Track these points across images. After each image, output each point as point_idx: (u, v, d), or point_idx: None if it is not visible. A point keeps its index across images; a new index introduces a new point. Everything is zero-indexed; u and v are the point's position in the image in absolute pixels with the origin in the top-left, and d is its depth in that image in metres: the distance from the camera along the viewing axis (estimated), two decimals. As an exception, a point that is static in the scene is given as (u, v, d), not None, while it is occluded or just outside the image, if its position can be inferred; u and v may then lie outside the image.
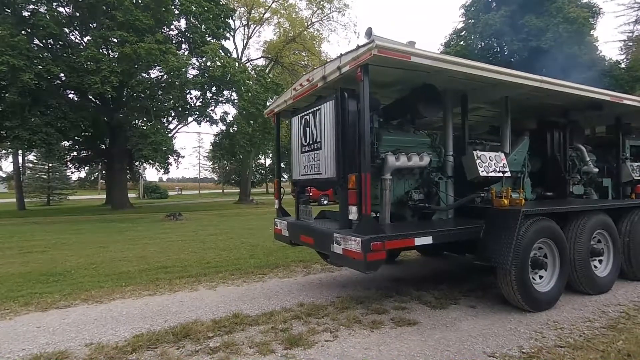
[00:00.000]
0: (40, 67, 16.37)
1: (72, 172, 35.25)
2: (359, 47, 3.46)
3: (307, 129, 4.74)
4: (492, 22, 24.06)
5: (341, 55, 3.79)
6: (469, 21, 26.94)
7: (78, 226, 14.19)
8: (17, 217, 18.72)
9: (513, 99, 5.36)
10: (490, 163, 4.88)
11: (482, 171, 4.76)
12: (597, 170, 6.66)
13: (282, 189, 5.75)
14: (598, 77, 21.77)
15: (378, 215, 4.58)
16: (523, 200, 4.61)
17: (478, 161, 4.79)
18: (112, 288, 5.38)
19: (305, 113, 4.78)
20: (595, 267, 4.86)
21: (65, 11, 18.90)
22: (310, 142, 4.66)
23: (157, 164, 22.39)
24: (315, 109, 4.52)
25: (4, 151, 36.24)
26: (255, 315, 4.09)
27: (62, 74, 17.43)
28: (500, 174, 4.75)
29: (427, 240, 3.82)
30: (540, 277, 4.32)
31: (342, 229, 4.04)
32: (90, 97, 18.93)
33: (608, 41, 51.10)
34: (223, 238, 10.44)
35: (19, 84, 15.50)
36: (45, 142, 17.26)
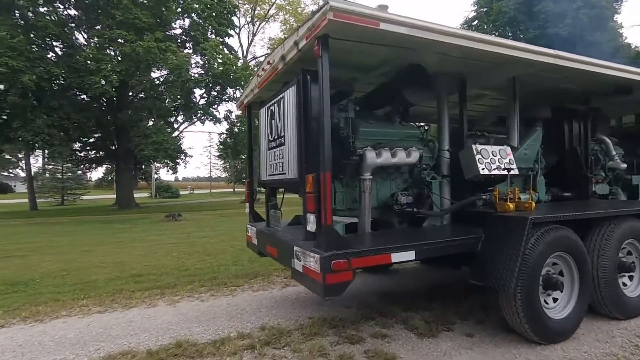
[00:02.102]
0: (40, 68, 16.21)
1: (84, 173, 35.52)
2: (314, 12, 2.74)
3: (273, 121, 4.04)
4: (506, 10, 22.66)
5: (298, 27, 3.07)
6: (481, 9, 25.55)
7: (76, 227, 13.92)
8: (23, 218, 18.72)
9: (522, 81, 4.52)
10: (494, 159, 4.06)
11: (483, 169, 3.95)
12: (625, 166, 5.71)
13: (254, 190, 5.08)
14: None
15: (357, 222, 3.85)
16: (533, 204, 3.80)
17: (478, 157, 3.98)
18: (66, 302, 4.83)
19: (271, 104, 4.08)
20: (625, 285, 3.99)
21: (65, 12, 18.78)
22: (276, 137, 3.96)
23: (165, 163, 22.19)
24: (279, 97, 3.81)
25: (22, 153, 36.97)
26: (204, 343, 3.43)
27: (63, 75, 17.23)
28: (505, 172, 3.93)
29: (408, 255, 3.07)
30: (555, 300, 3.50)
31: (307, 240, 3.33)
32: (92, 97, 18.70)
33: (635, 25, 48.14)
34: (214, 241, 9.87)
35: (19, 85, 15.36)
36: (48, 143, 17.14)
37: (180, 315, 4.22)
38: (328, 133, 2.81)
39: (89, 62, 16.70)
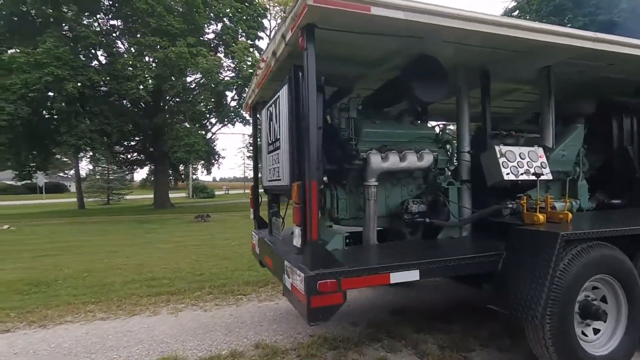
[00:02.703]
0: (83, 76, 17.14)
1: (127, 174, 37.41)
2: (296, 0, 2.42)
3: (271, 123, 3.76)
4: (552, -3, 20.92)
5: (285, 17, 2.76)
6: (522, -1, 23.83)
7: (111, 227, 14.53)
8: (69, 217, 19.91)
9: (558, 72, 3.92)
10: (522, 162, 3.52)
11: (508, 174, 3.42)
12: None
13: (258, 195, 4.85)
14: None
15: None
16: (570, 215, 3.23)
17: (502, 160, 3.46)
18: (75, 306, 4.86)
19: (269, 104, 3.80)
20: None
21: (108, 22, 19.80)
22: (273, 140, 3.68)
23: (199, 164, 22.76)
24: (275, 97, 3.52)
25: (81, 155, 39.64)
26: (191, 361, 3.22)
27: (103, 82, 18.13)
28: (535, 177, 3.38)
29: (411, 275, 2.66)
30: (596, 331, 2.93)
31: (298, 254, 3.01)
32: (130, 102, 19.56)
33: None
34: (236, 244, 9.81)
35: (63, 93, 16.33)
36: (90, 146, 18.11)
37: (178, 327, 4.05)
38: (314, 135, 2.47)
39: (127, 68, 17.43)
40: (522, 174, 3.47)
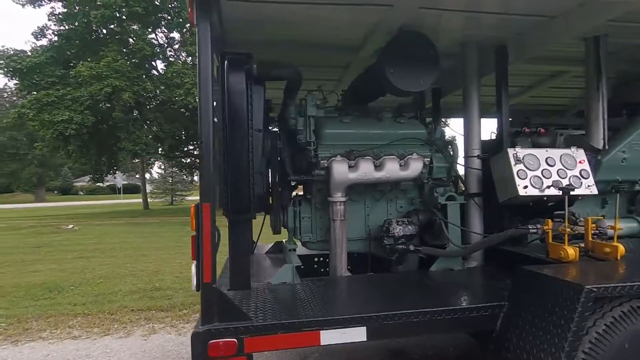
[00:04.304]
0: (138, 85, 18.28)
1: (187, 176, 39.74)
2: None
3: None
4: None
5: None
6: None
7: (157, 228, 15.20)
8: (129, 217, 21.44)
9: (613, 45, 2.82)
10: (548, 170, 2.53)
11: (525, 187, 2.46)
12: None
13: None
14: None
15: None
16: (621, 247, 2.19)
17: (518, 168, 2.51)
18: (65, 318, 4.76)
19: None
20: None
21: (167, 34, 21.08)
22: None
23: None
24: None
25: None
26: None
27: (156, 90, 19.22)
28: (570, 192, 2.37)
29: (353, 335, 1.89)
30: None
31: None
32: (180, 109, 20.50)
33: None
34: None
35: (121, 102, 17.57)
36: (145, 151, 19.29)
37: (141, 354, 3.66)
38: (208, 139, 1.83)
39: (177, 76, 18.25)
40: (548, 187, 2.48)
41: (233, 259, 2.39)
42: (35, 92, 18.31)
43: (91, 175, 22.85)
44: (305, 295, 2.27)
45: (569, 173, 2.54)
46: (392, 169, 2.69)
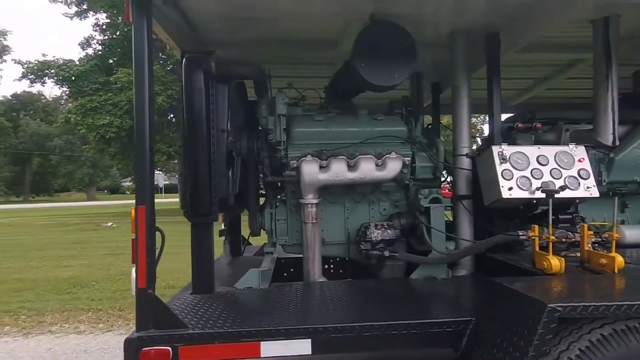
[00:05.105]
0: (172, 89, 19.10)
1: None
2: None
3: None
4: None
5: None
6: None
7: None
8: (165, 215, 22.32)
9: (627, 26, 2.48)
10: (539, 170, 2.25)
11: (509, 188, 2.20)
12: None
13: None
14: None
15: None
16: (619, 258, 1.90)
17: (503, 168, 2.25)
18: (78, 312, 5.04)
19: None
20: None
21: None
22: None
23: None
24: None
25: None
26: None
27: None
28: (555, 195, 2.08)
29: (297, 347, 1.76)
30: None
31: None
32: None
33: None
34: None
35: (155, 106, 18.46)
36: (177, 152, 20.11)
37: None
38: (144, 143, 1.78)
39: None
40: (538, 188, 2.20)
41: (195, 262, 2.35)
42: (81, 98, 19.66)
43: (132, 176, 24.26)
44: (261, 302, 2.17)
45: (565, 173, 2.23)
46: (366, 169, 2.52)
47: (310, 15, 2.51)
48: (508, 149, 2.28)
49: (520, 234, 2.26)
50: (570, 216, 2.32)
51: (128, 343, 1.70)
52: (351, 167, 2.54)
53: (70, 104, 22.31)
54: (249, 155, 2.73)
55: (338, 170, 2.51)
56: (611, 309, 1.41)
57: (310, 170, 2.49)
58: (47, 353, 3.80)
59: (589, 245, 2.09)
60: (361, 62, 2.40)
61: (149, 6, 1.79)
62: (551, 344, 1.48)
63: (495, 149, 2.28)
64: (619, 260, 1.87)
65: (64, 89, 22.10)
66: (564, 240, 2.18)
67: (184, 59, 2.26)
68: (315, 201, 2.54)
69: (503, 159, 2.26)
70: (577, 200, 2.23)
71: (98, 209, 29.34)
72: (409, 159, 2.62)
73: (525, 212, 2.37)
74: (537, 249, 2.06)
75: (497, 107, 2.60)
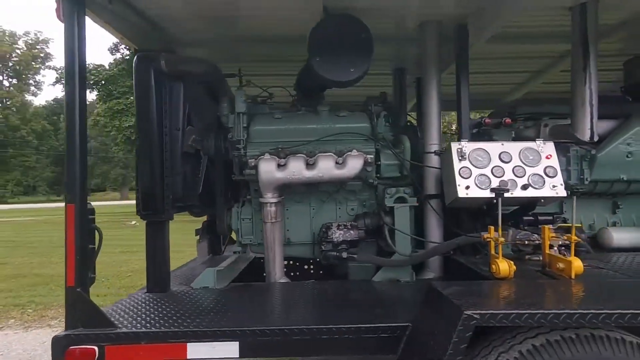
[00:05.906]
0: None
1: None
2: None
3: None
4: None
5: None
6: None
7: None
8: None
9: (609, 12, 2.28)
10: (500, 168, 2.09)
11: (466, 187, 2.06)
12: None
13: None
14: None
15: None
16: (578, 264, 1.74)
17: (460, 165, 2.11)
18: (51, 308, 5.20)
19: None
20: None
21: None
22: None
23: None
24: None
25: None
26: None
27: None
28: (504, 193, 1.92)
29: (226, 350, 1.72)
30: None
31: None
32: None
33: None
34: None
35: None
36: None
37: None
38: (73, 140, 1.78)
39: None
40: (497, 187, 2.04)
41: (149, 260, 2.36)
42: (109, 101, 20.55)
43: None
44: (206, 302, 2.13)
45: (529, 171, 2.06)
46: (325, 167, 2.43)
47: (270, 12, 2.47)
48: (468, 146, 2.13)
49: (485, 235, 2.12)
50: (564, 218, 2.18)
51: (55, 341, 1.71)
52: (310, 165, 2.47)
53: (97, 107, 23.32)
54: (216, 154, 2.72)
55: (295, 169, 2.44)
56: (535, 317, 1.27)
57: (267, 168, 2.44)
58: (40, 347, 3.96)
59: (555, 248, 1.92)
60: (316, 57, 2.33)
61: (81, 5, 1.79)
62: (472, 354, 1.35)
63: (454, 146, 2.14)
64: (577, 265, 1.70)
65: (95, 92, 23.25)
66: (527, 242, 2.02)
67: (138, 59, 2.27)
68: (274, 200, 2.49)
69: (462, 156, 2.11)
70: (542, 200, 2.05)
71: (128, 208, 30.59)
72: (372, 156, 2.50)
73: (489, 212, 2.21)
74: (492, 251, 1.91)
75: (464, 102, 2.45)
